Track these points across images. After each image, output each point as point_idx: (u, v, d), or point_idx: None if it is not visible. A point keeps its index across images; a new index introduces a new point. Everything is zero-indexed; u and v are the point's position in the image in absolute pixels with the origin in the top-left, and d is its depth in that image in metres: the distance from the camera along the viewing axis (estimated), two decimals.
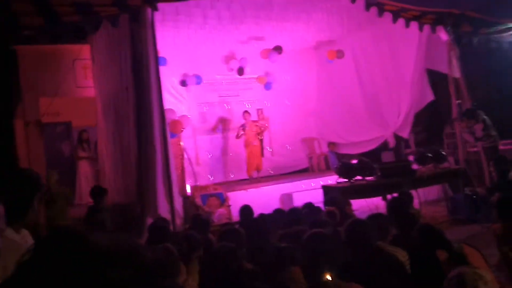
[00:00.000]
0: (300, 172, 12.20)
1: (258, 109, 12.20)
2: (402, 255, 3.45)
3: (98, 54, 7.70)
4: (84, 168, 9.61)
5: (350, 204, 6.29)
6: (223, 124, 11.86)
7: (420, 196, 8.14)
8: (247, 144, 10.78)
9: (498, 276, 3.55)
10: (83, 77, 9.19)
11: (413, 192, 7.64)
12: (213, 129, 11.69)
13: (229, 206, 8.60)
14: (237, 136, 10.98)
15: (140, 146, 7.09)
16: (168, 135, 7.06)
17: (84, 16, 6.68)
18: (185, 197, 8.46)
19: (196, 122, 11.42)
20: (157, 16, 7.14)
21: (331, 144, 12.40)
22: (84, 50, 8.66)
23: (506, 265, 3.56)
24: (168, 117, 8.07)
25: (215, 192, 8.92)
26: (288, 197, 9.47)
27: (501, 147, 8.55)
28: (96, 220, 5.83)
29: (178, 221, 6.80)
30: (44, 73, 8.54)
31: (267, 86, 12.16)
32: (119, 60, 7.17)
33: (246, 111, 10.98)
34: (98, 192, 6.38)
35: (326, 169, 12.11)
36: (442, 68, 9.86)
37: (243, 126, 10.81)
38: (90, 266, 0.68)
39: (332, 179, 8.13)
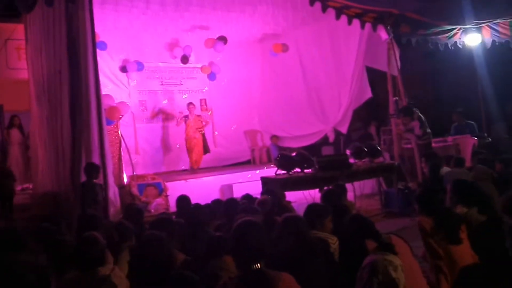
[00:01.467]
0: (242, 164, 12.21)
1: (201, 99, 12.09)
2: (332, 240, 3.50)
3: (32, 34, 7.32)
4: (14, 154, 9.17)
5: (284, 197, 6.31)
6: (164, 113, 11.64)
7: (356, 190, 8.34)
8: (188, 138, 10.64)
9: (423, 266, 3.68)
10: (17, 58, 8.76)
11: (349, 185, 7.83)
12: (153, 117, 11.47)
13: (167, 196, 8.47)
14: (177, 123, 10.80)
15: (74, 132, 6.81)
16: (104, 121, 6.80)
17: None
18: (121, 186, 8.23)
19: (136, 110, 11.17)
20: None
21: (273, 137, 12.48)
22: (18, 30, 8.24)
23: (430, 256, 3.69)
24: (106, 103, 7.82)
25: (153, 182, 8.78)
26: (228, 188, 9.44)
27: (433, 144, 8.88)
28: None
29: (112, 211, 6.60)
30: None
31: (211, 76, 12.05)
32: (53, 42, 6.85)
33: (191, 103, 10.86)
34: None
35: (268, 162, 12.16)
36: (381, 66, 10.11)
37: (186, 117, 10.65)
38: None
39: (273, 172, 8.15)
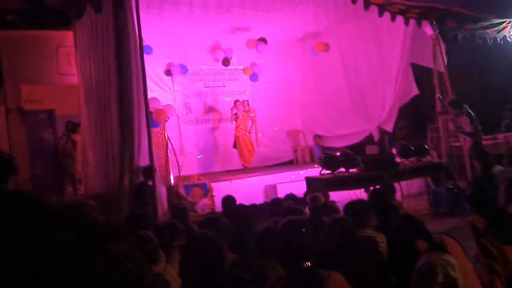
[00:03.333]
0: (285, 164, 12.22)
1: (243, 101, 12.14)
2: (381, 239, 3.47)
3: (81, 40, 7.59)
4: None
5: (328, 197, 6.33)
6: (209, 114, 11.81)
7: (403, 189, 8.23)
8: (238, 136, 10.71)
9: (476, 267, 3.59)
10: (67, 64, 9.08)
11: (396, 184, 7.75)
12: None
13: (212, 196, 8.58)
14: (230, 119, 10.87)
15: (122, 135, 7.02)
16: (151, 124, 6.97)
17: (67, 0, 6.56)
18: (168, 187, 8.41)
19: (180, 112, 11.37)
20: (142, 3, 7.04)
21: (316, 137, 12.44)
22: (67, 37, 8.55)
23: (483, 256, 3.60)
24: (152, 106, 8.01)
25: (199, 183, 8.92)
26: (272, 188, 9.50)
27: (482, 142, 8.64)
28: None
29: (160, 211, 6.77)
30: (26, 59, 8.41)
31: (253, 77, 12.13)
32: (102, 47, 7.08)
33: (238, 100, 10.95)
34: None
35: (311, 162, 12.12)
36: (427, 63, 9.92)
37: (236, 115, 10.73)
38: (32, 225, 0.66)
39: (316, 172, 8.15)
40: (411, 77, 10.58)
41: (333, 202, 6.42)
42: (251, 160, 10.87)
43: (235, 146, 10.89)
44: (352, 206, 3.90)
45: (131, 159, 6.98)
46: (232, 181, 9.49)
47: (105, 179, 7.21)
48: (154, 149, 7.09)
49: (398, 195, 7.69)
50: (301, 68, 13.03)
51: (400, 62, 10.42)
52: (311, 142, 12.59)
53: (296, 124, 12.98)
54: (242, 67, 12.04)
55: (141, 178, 7.07)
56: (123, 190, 6.91)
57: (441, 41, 9.49)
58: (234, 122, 10.82)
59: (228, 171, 11.20)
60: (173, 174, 9.09)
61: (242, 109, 10.82)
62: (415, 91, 10.55)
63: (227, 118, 11.70)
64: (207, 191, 8.77)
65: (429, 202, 8.44)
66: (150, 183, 6.67)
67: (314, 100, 12.72)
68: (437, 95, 9.32)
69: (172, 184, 8.80)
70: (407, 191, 8.48)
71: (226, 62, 11.51)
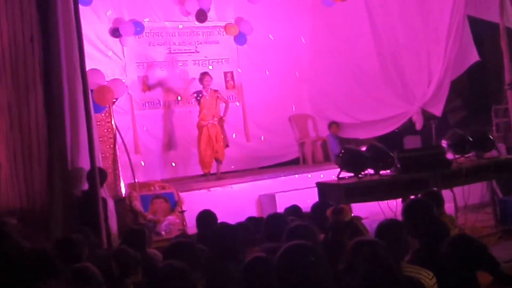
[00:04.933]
0: (288, 165, 12.25)
1: (225, 73, 12.14)
2: (428, 278, 3.48)
3: None
4: None
5: (350, 211, 6.34)
6: (175, 94, 11.78)
7: (457, 198, 8.24)
8: (200, 125, 10.75)
9: None
10: None
11: (447, 192, 7.78)
12: (166, 97, 11.70)
13: (182, 212, 8.54)
14: (197, 101, 10.81)
15: (50, 124, 6.98)
16: (92, 108, 6.94)
17: None
18: (118, 199, 8.40)
19: (134, 91, 11.32)
20: None
21: (332, 125, 12.45)
22: None
23: None
24: (93, 81, 7.94)
25: (163, 192, 8.92)
26: (269, 199, 9.51)
27: None
28: None
29: (108, 233, 6.75)
30: None
31: (240, 39, 12.08)
32: None
33: (206, 73, 10.94)
34: None
35: (325, 161, 12.13)
36: (491, 16, 9.94)
37: (198, 95, 10.71)
38: None
39: (333, 175, 8.15)
40: (469, 37, 10.60)
41: (358, 218, 6.42)
42: (209, 161, 10.76)
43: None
44: (387, 228, 3.93)
45: (62, 158, 6.95)
46: (211, 189, 9.47)
47: (26, 187, 7.18)
48: (96, 143, 7.06)
49: (449, 207, 7.71)
50: (309, 26, 13.01)
51: (452, 16, 10.44)
52: (325, 132, 12.60)
53: (303, 107, 12.98)
54: (224, 24, 11.96)
55: (84, 186, 7.06)
56: (55, 203, 6.89)
57: None
58: (198, 105, 10.77)
59: (205, 175, 11.17)
60: (124, 181, 9.04)
61: (209, 86, 10.77)
62: (474, 57, 10.56)
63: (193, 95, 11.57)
64: (174, 204, 8.74)
65: (495, 217, 8.46)
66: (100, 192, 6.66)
67: (328, 73, 12.71)
68: (508, 58, 9.37)
69: (124, 195, 8.76)
70: (464, 201, 8.47)
71: (201, 16, 11.43)
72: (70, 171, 6.98)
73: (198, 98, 10.72)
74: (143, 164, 10.81)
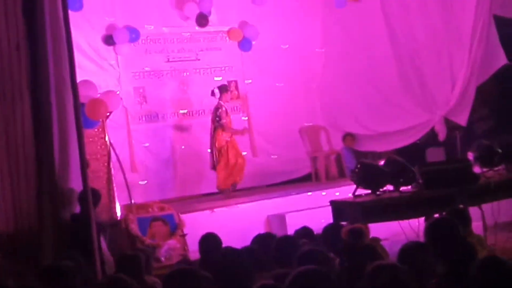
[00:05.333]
0: (299, 181, 12.25)
1: (229, 82, 12.14)
2: None
3: None
4: None
5: (368, 232, 6.32)
6: (175, 106, 11.80)
7: (486, 216, 8.19)
8: (220, 145, 10.82)
9: None
10: None
11: (475, 209, 7.73)
12: (165, 110, 11.71)
13: (183, 235, 8.57)
14: (221, 127, 10.82)
15: (39, 140, 6.99)
16: (82, 123, 6.94)
17: None
18: (113, 222, 8.40)
19: (130, 103, 11.35)
20: None
21: (347, 137, 12.45)
22: None
23: None
24: (85, 94, 7.95)
25: (162, 214, 8.91)
26: (278, 220, 9.53)
27: None
28: None
29: (102, 260, 6.74)
30: None
31: (244, 44, 12.13)
32: (5, 3, 7.05)
33: (226, 88, 11.08)
34: None
35: (339, 176, 12.12)
36: None
37: (221, 114, 10.78)
38: None
39: (348, 192, 8.13)
40: (495, 39, 10.58)
41: (377, 240, 6.39)
42: (232, 182, 10.90)
43: (215, 166, 10.89)
44: (410, 251, 3.92)
45: (51, 177, 6.95)
46: (215, 210, 9.48)
47: (14, 209, 7.17)
48: (89, 162, 7.06)
49: (477, 226, 7.66)
50: (320, 29, 13.03)
51: (476, 15, 10.44)
52: (339, 145, 12.59)
53: (315, 118, 12.97)
54: (227, 28, 12.03)
55: (75, 208, 7.05)
56: (44, 227, 6.88)
57: None
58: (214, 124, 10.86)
59: (208, 195, 11.17)
60: (119, 202, 9.04)
61: (228, 99, 10.91)
62: (502, 60, 10.54)
63: (203, 111, 11.63)
64: (174, 227, 8.74)
65: None
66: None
67: (342, 80, 12.72)
68: None
69: (119, 217, 8.75)
70: (493, 219, 8.43)
71: (202, 20, 11.49)
72: (59, 192, 6.96)
73: (220, 119, 10.76)
74: (141, 183, 10.82)
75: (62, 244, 6.85)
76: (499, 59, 10.57)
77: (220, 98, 10.90)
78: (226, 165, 10.82)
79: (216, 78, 11.93)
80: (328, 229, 6.08)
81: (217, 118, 10.83)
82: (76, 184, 7.00)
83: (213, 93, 10.97)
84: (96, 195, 7.05)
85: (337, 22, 12.72)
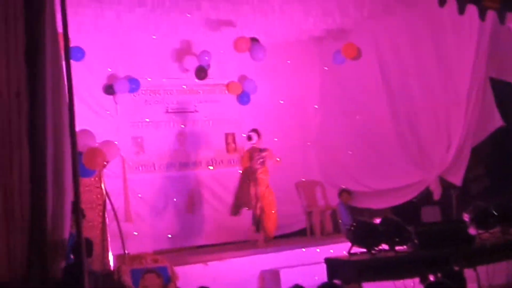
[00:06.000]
0: (293, 236, 12.23)
1: (227, 134, 12.18)
2: None
3: None
4: None
5: None
6: (172, 156, 11.80)
7: (481, 278, 8.12)
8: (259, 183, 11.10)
9: None
10: None
11: (470, 271, 7.67)
12: (162, 160, 11.74)
13: None
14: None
15: (34, 189, 6.93)
16: (80, 172, 6.91)
17: None
18: (106, 273, 8.24)
19: (128, 153, 11.38)
20: None
21: (343, 193, 12.40)
22: None
23: None
24: (83, 143, 7.97)
25: (155, 266, 8.80)
26: (272, 276, 9.48)
27: None
28: None
29: None
30: None
31: (243, 97, 12.20)
32: (7, 49, 7.07)
33: (255, 131, 11.25)
34: None
35: (334, 232, 12.09)
36: None
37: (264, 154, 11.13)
38: None
39: (343, 249, 8.08)
40: (491, 100, 10.65)
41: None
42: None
43: (236, 211, 11.12)
44: None
45: (42, 226, 6.88)
46: (209, 263, 9.42)
47: (8, 257, 7.07)
48: (84, 211, 7.01)
49: None
50: (317, 84, 13.16)
51: (473, 77, 10.52)
52: (334, 201, 12.55)
53: (311, 173, 12.97)
54: (226, 82, 12.14)
55: (67, 259, 6.97)
56: (32, 278, 6.77)
57: None
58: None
59: (201, 247, 11.08)
60: (113, 252, 8.98)
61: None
62: (497, 121, 10.58)
63: (200, 162, 11.63)
64: (167, 280, 8.64)
65: None
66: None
67: (338, 136, 12.80)
68: None
69: (112, 268, 8.69)
70: (488, 281, 8.38)
71: (201, 73, 11.58)
72: (49, 242, 6.87)
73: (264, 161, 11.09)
74: (134, 230, 10.75)
75: None
76: (495, 121, 10.60)
77: (257, 142, 11.17)
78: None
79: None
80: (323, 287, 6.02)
81: (261, 160, 11.15)
82: (67, 235, 6.94)
83: (250, 138, 11.20)
84: (89, 245, 6.98)
85: (334, 79, 12.86)
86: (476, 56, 10.40)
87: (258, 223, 11.01)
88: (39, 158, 7.07)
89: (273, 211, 11.16)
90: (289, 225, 12.34)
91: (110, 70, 11.29)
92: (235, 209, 11.21)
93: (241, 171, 11.33)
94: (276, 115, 12.68)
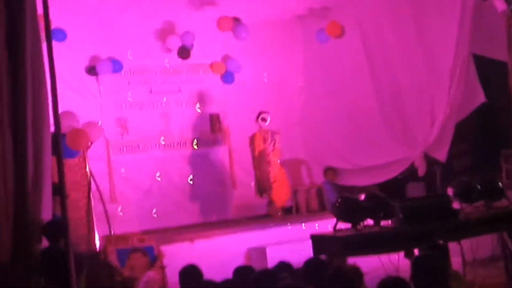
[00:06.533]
0: None
1: (211, 115, 12.15)
2: None
3: None
4: None
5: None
6: (156, 137, 11.77)
7: (465, 252, 8.19)
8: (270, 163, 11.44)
9: None
10: None
11: (454, 245, 7.73)
12: (146, 141, 11.70)
13: (163, 267, 8.53)
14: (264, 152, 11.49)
15: (17, 171, 6.91)
16: (63, 153, 6.89)
17: None
18: (92, 253, 8.31)
19: (111, 134, 11.33)
20: None
21: (328, 171, 12.44)
22: None
23: None
24: (66, 124, 7.95)
25: (141, 246, 8.84)
26: (258, 253, 9.52)
27: None
28: None
29: None
30: None
31: (227, 77, 12.17)
32: None
33: (267, 112, 11.54)
34: None
35: (319, 210, 12.14)
36: (498, 54, 10.04)
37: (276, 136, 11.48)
38: None
39: (328, 224, 8.12)
40: (474, 77, 10.69)
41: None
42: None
43: (262, 191, 11.54)
44: (390, 286, 3.95)
45: (24, 211, 6.86)
46: (195, 242, 9.45)
47: None
48: (68, 192, 6.98)
49: (456, 261, 7.66)
50: (301, 64, 13.15)
51: (456, 54, 10.53)
52: (319, 179, 12.61)
53: (296, 152, 13.00)
54: (210, 62, 12.11)
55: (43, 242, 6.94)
56: (17, 259, 6.77)
57: None
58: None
59: (188, 227, 11.10)
60: (99, 233, 8.97)
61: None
62: (480, 98, 10.63)
63: (184, 143, 11.64)
64: (154, 258, 8.67)
65: (507, 272, 8.38)
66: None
67: (323, 114, 12.81)
68: None
69: (98, 248, 8.68)
70: (472, 255, 8.43)
71: (184, 53, 11.53)
72: (31, 223, 6.86)
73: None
74: (119, 211, 10.77)
75: (36, 276, 6.74)
76: (478, 98, 10.65)
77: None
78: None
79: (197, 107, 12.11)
80: (309, 263, 6.04)
81: (273, 142, 11.55)
82: (47, 215, 6.93)
83: (265, 119, 11.51)
84: (62, 226, 6.88)
85: (318, 58, 12.82)
86: (459, 33, 10.40)
87: (271, 201, 11.54)
88: (20, 143, 7.03)
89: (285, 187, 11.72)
90: None
91: (91, 50, 11.17)
92: (260, 192, 11.68)
93: (255, 155, 11.59)
94: (260, 94, 12.64)
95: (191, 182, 11.50)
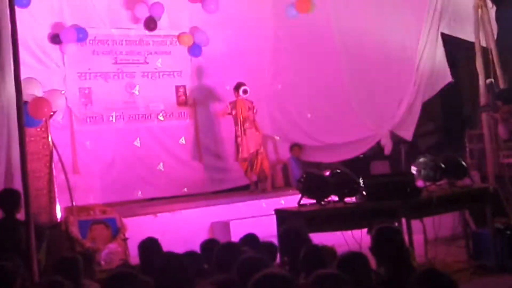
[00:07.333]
0: (244, 190, 12.20)
1: (177, 87, 12.09)
2: None
3: None
4: None
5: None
6: (121, 108, 11.68)
7: (427, 230, 8.29)
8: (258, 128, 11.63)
9: None
10: None
11: (417, 222, 7.85)
12: (110, 112, 11.58)
13: (125, 239, 8.52)
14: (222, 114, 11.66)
15: None
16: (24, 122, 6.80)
17: None
18: (52, 224, 8.25)
19: (74, 104, 11.20)
20: None
21: (294, 147, 12.50)
22: None
23: None
24: (28, 92, 7.82)
25: (104, 218, 8.81)
26: (222, 227, 9.55)
27: None
28: None
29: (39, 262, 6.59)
30: None
31: (194, 50, 12.10)
32: None
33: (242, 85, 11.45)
34: None
35: (285, 186, 12.23)
36: (466, 34, 10.12)
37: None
38: None
39: (293, 201, 8.15)
40: (442, 56, 10.76)
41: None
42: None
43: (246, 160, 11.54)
44: (351, 260, 4.04)
45: None
46: (158, 215, 9.43)
47: None
48: (29, 162, 6.90)
49: (418, 239, 7.78)
50: (270, 38, 13.07)
51: (424, 33, 10.61)
52: (285, 155, 12.65)
53: (263, 127, 12.96)
54: (177, 33, 12.01)
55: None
56: None
57: (488, 2, 9.69)
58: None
59: (151, 200, 11.06)
60: (60, 204, 8.92)
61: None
62: (447, 78, 10.72)
63: (149, 115, 11.61)
64: (116, 231, 8.66)
65: (468, 251, 8.54)
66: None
67: (290, 90, 12.81)
68: (487, 80, 9.51)
69: (59, 219, 8.63)
70: (434, 233, 8.55)
71: (151, 24, 11.42)
72: (2, 193, 6.80)
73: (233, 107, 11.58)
74: (81, 181, 10.68)
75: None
76: (445, 78, 10.74)
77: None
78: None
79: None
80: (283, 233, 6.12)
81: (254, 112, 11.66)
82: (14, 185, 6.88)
83: (246, 92, 11.48)
84: (15, 196, 6.79)
85: (288, 33, 12.79)
86: (428, 12, 10.48)
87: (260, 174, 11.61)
88: None
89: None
90: (240, 178, 12.30)
91: (55, 17, 10.99)
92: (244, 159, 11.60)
93: (240, 120, 11.54)
94: (228, 68, 12.58)
95: (156, 155, 11.41)
